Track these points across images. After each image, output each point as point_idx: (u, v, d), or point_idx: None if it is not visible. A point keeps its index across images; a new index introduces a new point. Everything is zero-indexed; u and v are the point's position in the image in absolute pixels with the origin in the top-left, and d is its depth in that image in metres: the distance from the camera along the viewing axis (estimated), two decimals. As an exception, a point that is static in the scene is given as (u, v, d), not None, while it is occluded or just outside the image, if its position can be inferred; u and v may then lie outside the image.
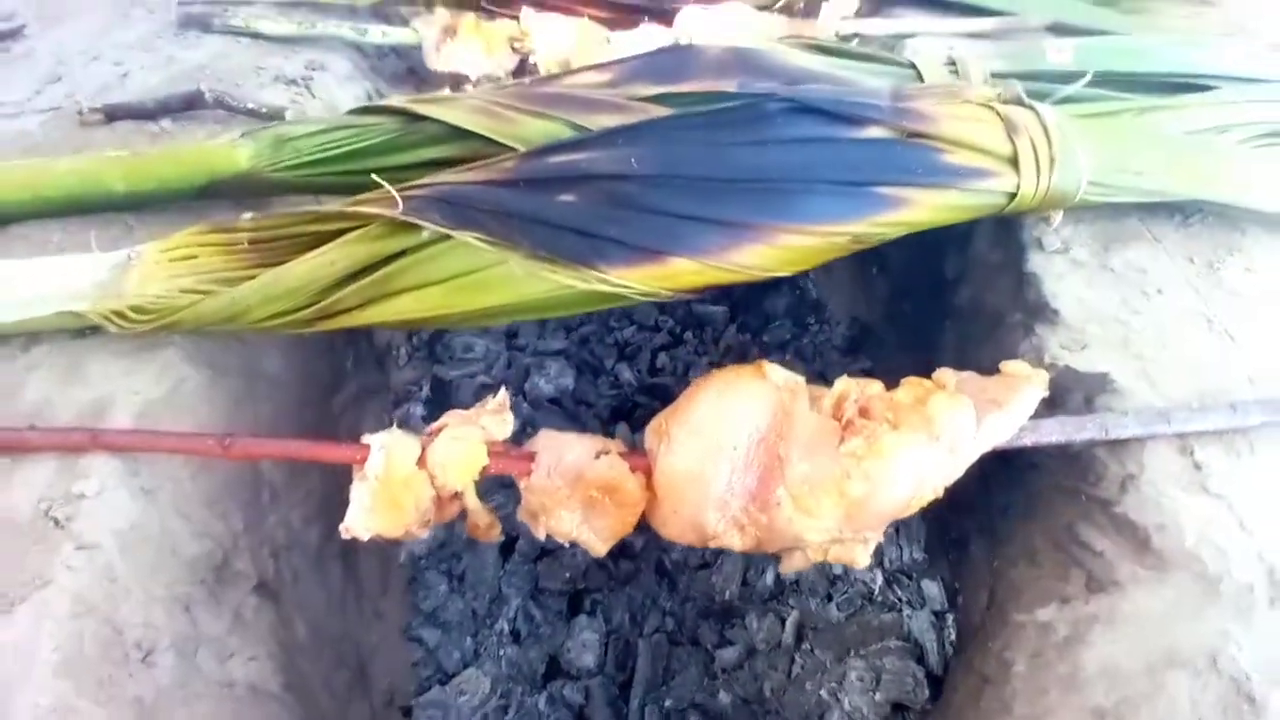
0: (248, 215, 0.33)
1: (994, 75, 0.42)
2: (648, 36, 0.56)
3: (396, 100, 0.38)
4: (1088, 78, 0.39)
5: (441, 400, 0.50)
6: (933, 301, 0.45)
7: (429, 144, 0.38)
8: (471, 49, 0.56)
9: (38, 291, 0.31)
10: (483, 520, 0.30)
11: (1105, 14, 0.59)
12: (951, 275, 0.43)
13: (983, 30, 0.56)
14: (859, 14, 0.62)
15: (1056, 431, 0.28)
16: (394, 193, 0.30)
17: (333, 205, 0.32)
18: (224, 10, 0.60)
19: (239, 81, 0.51)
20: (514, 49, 0.57)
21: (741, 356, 0.55)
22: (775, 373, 0.29)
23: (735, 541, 0.27)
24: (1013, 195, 0.35)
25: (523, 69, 0.58)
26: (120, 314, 0.30)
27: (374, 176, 0.31)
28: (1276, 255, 0.38)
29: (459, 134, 0.38)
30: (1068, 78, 0.43)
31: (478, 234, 0.30)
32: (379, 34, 0.56)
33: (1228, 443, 0.28)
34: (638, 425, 0.53)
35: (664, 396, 0.56)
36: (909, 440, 0.25)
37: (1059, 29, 0.58)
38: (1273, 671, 0.25)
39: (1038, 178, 0.35)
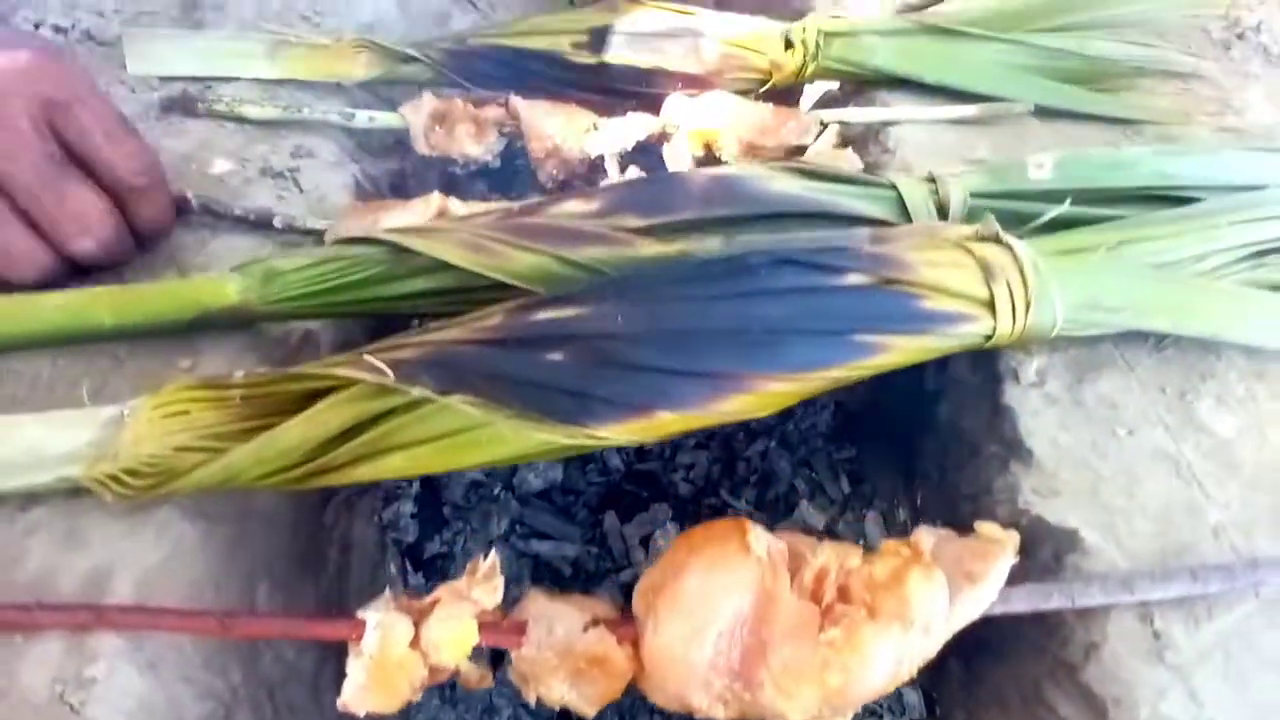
0: (239, 373, 0.33)
1: (974, 195, 0.43)
2: (635, 123, 0.56)
3: (385, 234, 0.39)
4: (1066, 204, 0.41)
5: (431, 499, 0.51)
6: (914, 405, 0.47)
7: (418, 275, 0.39)
8: (460, 135, 0.56)
9: (32, 454, 0.32)
10: (474, 677, 0.31)
11: (1090, 96, 0.60)
12: (931, 388, 0.44)
13: (966, 117, 0.57)
14: (841, 95, 0.64)
15: (1025, 602, 0.29)
16: (384, 368, 0.31)
17: (322, 366, 0.33)
18: (206, 89, 0.60)
19: (224, 178, 0.52)
20: (502, 133, 0.58)
21: (727, 447, 0.56)
22: (758, 542, 0.30)
23: (720, 714, 0.28)
24: (989, 337, 0.36)
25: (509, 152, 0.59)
26: (116, 478, 0.31)
27: (367, 356, 0.31)
28: (1249, 379, 0.40)
29: (448, 265, 0.39)
30: (1048, 195, 0.44)
31: (469, 398, 0.31)
32: (366, 119, 0.57)
33: (1188, 609, 0.30)
34: (626, 515, 0.55)
35: (652, 483, 0.57)
36: (886, 631, 0.27)
37: (1043, 112, 0.59)
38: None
39: (1013, 321, 0.36)
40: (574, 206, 0.40)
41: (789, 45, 0.59)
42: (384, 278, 0.38)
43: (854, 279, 0.35)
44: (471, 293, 0.39)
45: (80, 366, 0.38)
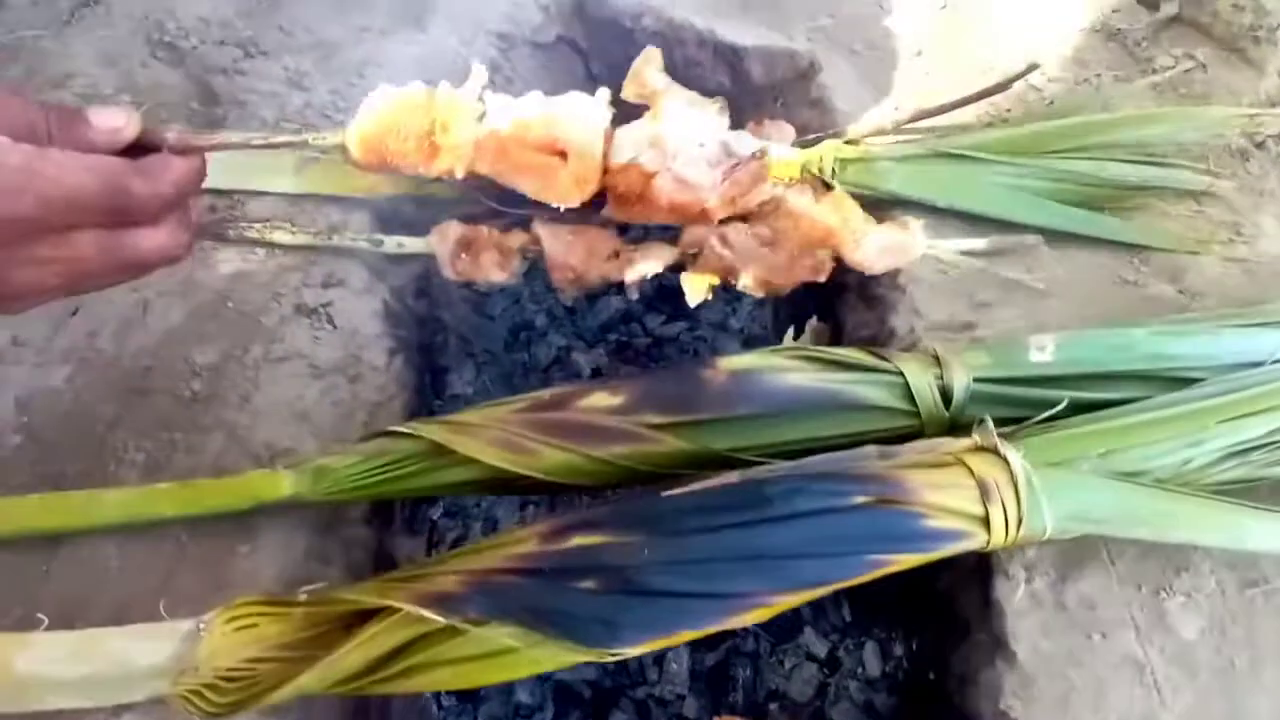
0: (302, 593, 0.37)
1: (977, 380, 0.46)
2: (655, 253, 0.59)
3: (426, 429, 0.42)
4: (1064, 403, 0.44)
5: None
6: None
7: (458, 466, 0.43)
8: (485, 262, 0.59)
9: (121, 669, 0.36)
10: None
11: (1101, 220, 0.61)
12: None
13: (976, 250, 0.59)
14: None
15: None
16: (433, 616, 0.35)
17: (376, 592, 0.36)
18: (236, 205, 0.62)
19: (261, 317, 0.54)
20: (525, 257, 0.60)
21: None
22: None
23: None
24: (982, 547, 0.40)
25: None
26: (200, 694, 0.35)
27: (411, 608, 0.35)
28: (1221, 569, 0.44)
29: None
30: (1048, 381, 0.47)
31: (509, 628, 0.35)
32: (394, 245, 0.59)
33: None
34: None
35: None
36: None
37: (1053, 235, 0.61)
38: None
39: (1006, 534, 0.40)
40: (600, 400, 0.43)
41: (806, 171, 0.60)
42: (426, 470, 0.42)
43: (861, 499, 0.38)
44: (507, 484, 0.43)
45: (145, 552, 0.42)
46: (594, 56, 0.86)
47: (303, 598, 0.37)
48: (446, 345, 0.69)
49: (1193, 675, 0.39)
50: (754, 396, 0.43)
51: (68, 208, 0.30)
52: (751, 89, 0.80)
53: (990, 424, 0.42)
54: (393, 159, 0.54)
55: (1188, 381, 0.47)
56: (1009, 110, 0.70)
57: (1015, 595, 0.41)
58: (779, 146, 0.62)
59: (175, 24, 0.74)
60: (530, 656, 0.36)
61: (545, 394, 0.44)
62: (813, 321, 0.57)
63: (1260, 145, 0.68)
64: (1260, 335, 0.48)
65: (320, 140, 0.52)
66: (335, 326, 0.55)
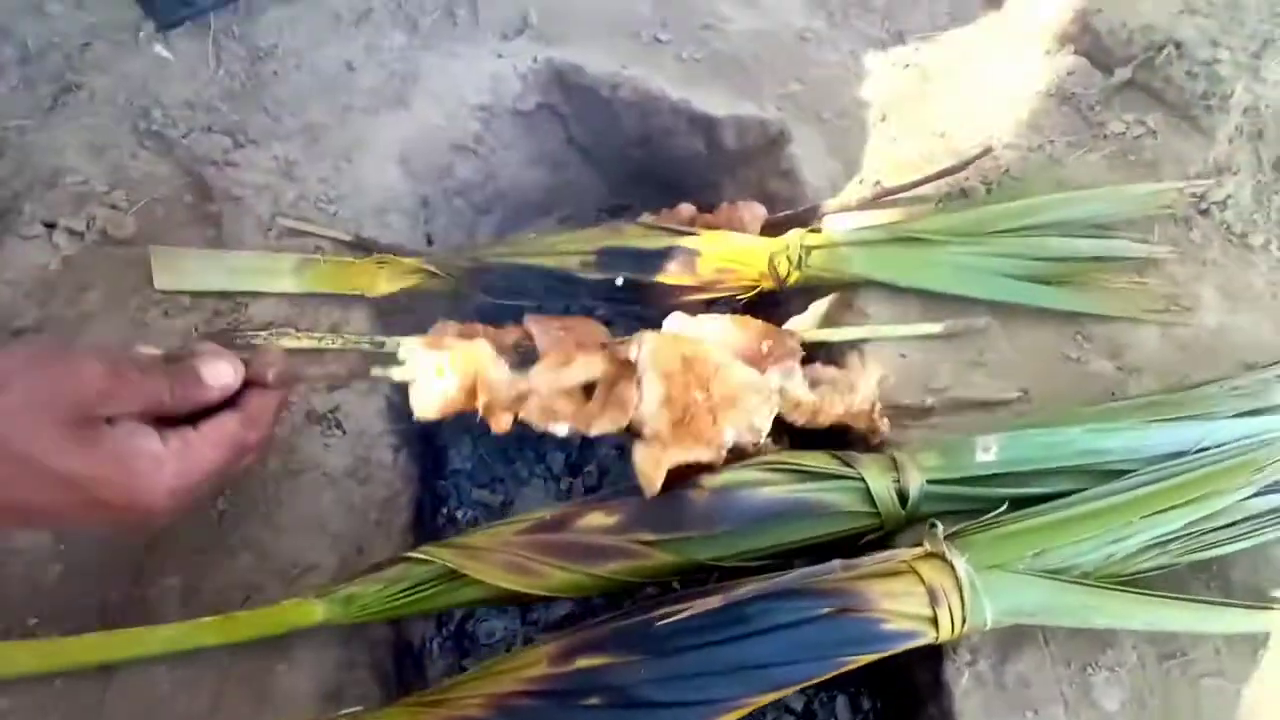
0: (344, 714, 0.43)
1: (929, 481, 0.52)
2: (642, 341, 0.64)
3: (440, 554, 0.47)
4: (1004, 507, 0.50)
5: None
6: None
7: (472, 585, 0.48)
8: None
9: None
10: None
11: (1047, 292, 0.67)
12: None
13: (931, 334, 0.65)
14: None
15: None
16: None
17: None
18: (239, 309, 0.66)
19: (275, 428, 0.59)
20: (518, 351, 0.65)
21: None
22: None
23: None
24: (932, 641, 0.47)
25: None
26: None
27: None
28: (1142, 644, 0.51)
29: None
30: (992, 480, 0.53)
31: (526, 745, 0.41)
32: (395, 344, 0.63)
33: None
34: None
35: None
36: None
37: (1002, 309, 0.67)
38: None
39: (952, 631, 0.46)
40: (597, 520, 0.49)
41: (774, 259, 0.65)
42: (443, 591, 0.48)
43: (827, 610, 0.45)
44: (515, 598, 0.49)
45: (194, 676, 0.47)
46: (574, 121, 0.89)
47: (345, 715, 0.43)
48: (442, 423, 0.74)
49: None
50: (734, 512, 0.49)
51: (208, 480, 0.40)
52: (725, 155, 0.84)
53: (939, 530, 0.48)
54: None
55: (1118, 474, 0.53)
56: (967, 178, 0.75)
57: (961, 678, 0.48)
58: (749, 237, 0.67)
59: (160, 110, 0.76)
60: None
61: (546, 514, 0.50)
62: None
63: (1204, 212, 0.73)
64: (1184, 428, 0.55)
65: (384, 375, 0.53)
66: (344, 431, 0.60)
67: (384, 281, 0.66)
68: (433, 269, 0.66)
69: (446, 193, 0.83)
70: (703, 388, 0.52)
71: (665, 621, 0.43)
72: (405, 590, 0.47)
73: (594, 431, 0.51)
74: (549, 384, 0.52)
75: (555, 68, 0.85)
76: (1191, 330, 0.66)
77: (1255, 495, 0.54)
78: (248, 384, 0.42)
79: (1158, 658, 0.50)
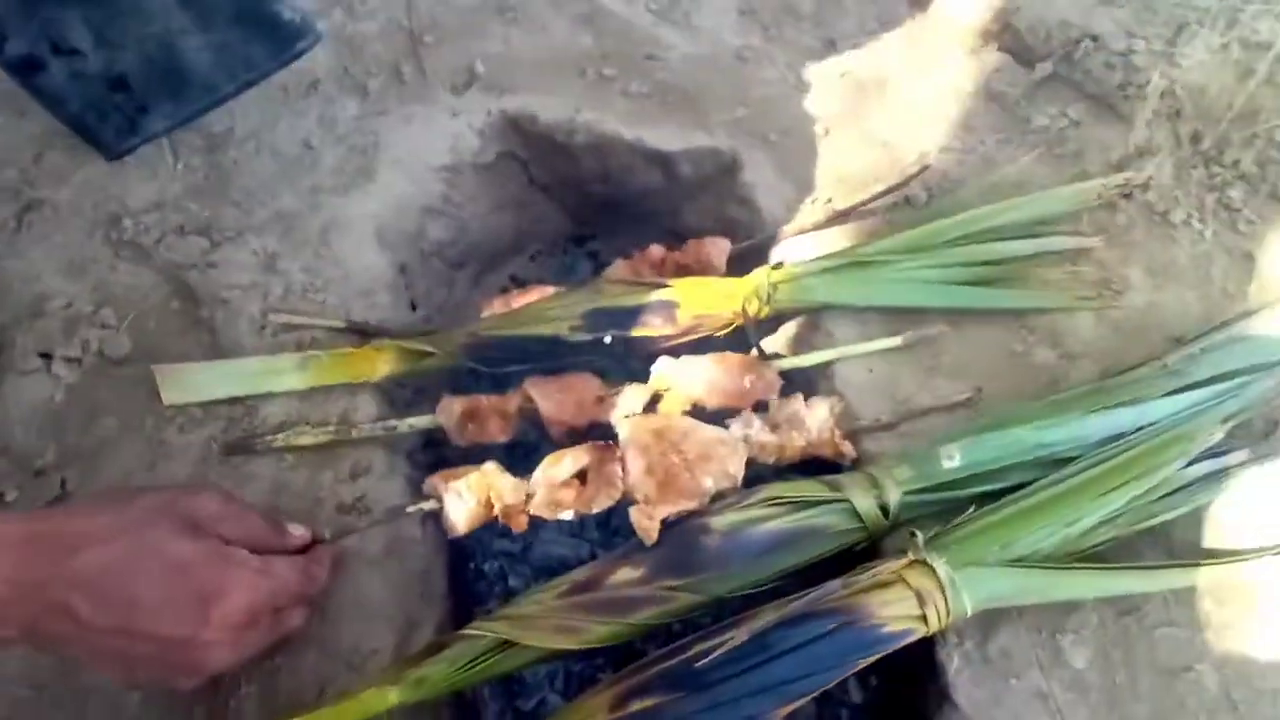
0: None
1: (906, 493, 0.61)
2: (633, 395, 0.70)
3: (494, 628, 0.55)
4: (971, 510, 0.59)
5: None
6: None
7: (525, 651, 0.56)
8: (489, 427, 0.70)
9: None
10: None
11: (992, 293, 0.76)
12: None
13: (891, 347, 0.73)
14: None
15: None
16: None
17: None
18: (250, 412, 0.70)
19: (313, 526, 0.65)
20: (521, 415, 0.72)
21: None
22: None
23: None
24: (924, 634, 0.56)
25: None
26: None
27: None
28: (1100, 606, 0.61)
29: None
30: (957, 483, 0.62)
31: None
32: (406, 427, 0.69)
33: None
34: None
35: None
36: None
37: (952, 314, 0.75)
38: None
39: (939, 623, 0.56)
40: (625, 574, 0.57)
41: (746, 300, 0.73)
42: (500, 660, 0.55)
43: (833, 626, 0.54)
44: (568, 656, 0.56)
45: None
46: (534, 164, 0.94)
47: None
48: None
49: (1085, 696, 0.57)
50: (743, 549, 0.57)
51: (282, 593, 0.50)
52: (683, 184, 0.91)
53: (919, 539, 0.57)
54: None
55: (1067, 461, 0.63)
56: (910, 188, 0.83)
57: (952, 659, 0.58)
58: (721, 280, 0.74)
59: (130, 217, 0.79)
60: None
61: (579, 575, 0.57)
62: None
63: (1128, 197, 0.83)
64: (1120, 413, 0.64)
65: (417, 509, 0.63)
66: (370, 512, 0.66)
67: (384, 366, 0.72)
68: (430, 349, 0.71)
69: (423, 255, 0.88)
70: (677, 451, 0.60)
71: (703, 662, 0.51)
72: (467, 665, 0.54)
73: (594, 509, 0.59)
74: (549, 482, 0.60)
75: (510, 119, 0.90)
76: (1123, 312, 0.76)
77: (1189, 465, 0.64)
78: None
79: (1116, 616, 0.61)
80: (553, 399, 0.69)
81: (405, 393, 0.77)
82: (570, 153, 0.90)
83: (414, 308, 0.85)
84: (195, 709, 0.56)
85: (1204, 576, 0.62)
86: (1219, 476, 0.65)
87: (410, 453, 0.73)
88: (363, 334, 0.75)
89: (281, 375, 0.71)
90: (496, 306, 0.78)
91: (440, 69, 0.93)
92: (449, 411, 0.69)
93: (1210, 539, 0.65)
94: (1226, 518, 0.66)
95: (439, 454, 0.75)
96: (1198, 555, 0.64)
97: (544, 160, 0.93)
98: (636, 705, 0.51)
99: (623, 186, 0.93)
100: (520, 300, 0.76)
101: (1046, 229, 0.78)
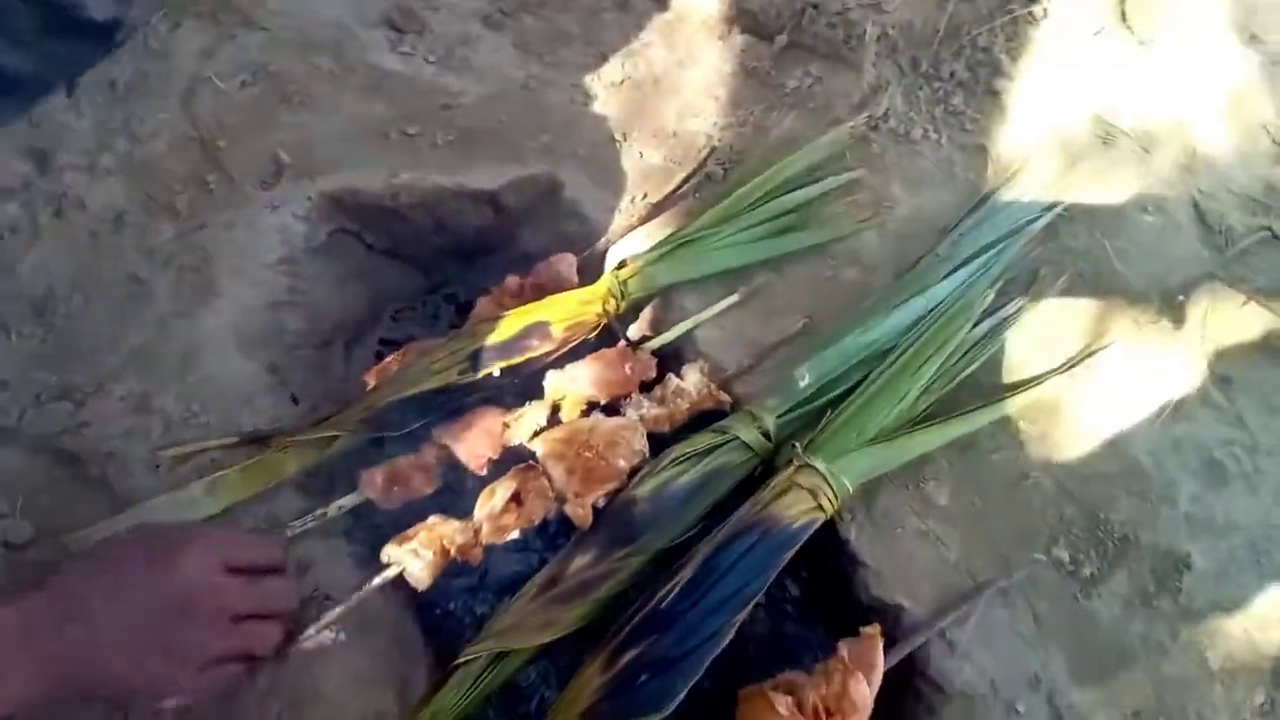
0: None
1: (777, 417, 0.76)
2: (534, 412, 0.81)
3: (485, 646, 0.64)
4: (829, 413, 0.76)
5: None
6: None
7: (518, 654, 0.66)
8: (414, 483, 0.78)
9: None
10: None
11: (798, 236, 0.94)
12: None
13: (732, 304, 0.89)
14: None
15: (892, 659, 0.68)
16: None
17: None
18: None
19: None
20: (439, 463, 0.80)
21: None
22: (780, 704, 0.64)
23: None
24: (824, 519, 0.72)
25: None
26: None
27: None
28: (950, 453, 0.80)
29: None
30: (813, 396, 0.79)
31: (613, 729, 0.61)
32: (335, 509, 0.76)
33: (962, 622, 0.70)
34: None
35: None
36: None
37: (772, 264, 0.92)
38: None
39: (833, 508, 0.72)
40: (580, 561, 0.68)
41: (604, 302, 0.85)
42: (500, 670, 0.65)
43: (756, 537, 0.68)
44: (555, 652, 0.67)
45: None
46: (367, 233, 1.02)
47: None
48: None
49: (955, 523, 0.76)
50: (668, 505, 0.71)
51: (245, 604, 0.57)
52: (514, 214, 1.02)
53: (799, 448, 0.73)
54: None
55: (887, 351, 0.81)
56: (707, 170, 0.99)
57: (850, 530, 0.75)
58: (577, 291, 0.86)
59: (-22, 402, 0.79)
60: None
61: (542, 577, 0.68)
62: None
63: (875, 129, 1.03)
64: (913, 303, 0.84)
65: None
66: (332, 599, 0.73)
67: (292, 464, 0.78)
68: (333, 433, 0.78)
69: (288, 350, 0.93)
70: (587, 448, 0.72)
71: (665, 603, 0.64)
72: (471, 686, 0.64)
73: (536, 521, 0.70)
74: (489, 515, 0.70)
75: (331, 197, 0.97)
76: (896, 222, 0.96)
77: (975, 326, 0.84)
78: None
79: (959, 456, 0.80)
80: (464, 441, 0.79)
81: (319, 480, 0.83)
82: (399, 214, 0.99)
83: (296, 401, 0.91)
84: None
85: (1013, 405, 0.83)
86: (1001, 327, 0.87)
87: (346, 533, 0.80)
88: (258, 441, 0.80)
89: (194, 505, 0.75)
90: (376, 375, 0.85)
91: (245, 168, 0.97)
92: (373, 483, 0.77)
93: (1010, 375, 0.86)
94: (1017, 355, 0.88)
95: (371, 523, 0.82)
96: (1004, 390, 0.85)
97: (376, 227, 1.01)
98: (624, 659, 0.63)
99: (459, 231, 1.02)
100: (398, 362, 0.84)
101: (821, 172, 0.97)
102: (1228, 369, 0.90)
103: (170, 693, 0.53)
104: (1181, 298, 0.93)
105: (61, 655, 0.47)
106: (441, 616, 0.85)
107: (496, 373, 0.81)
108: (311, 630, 0.68)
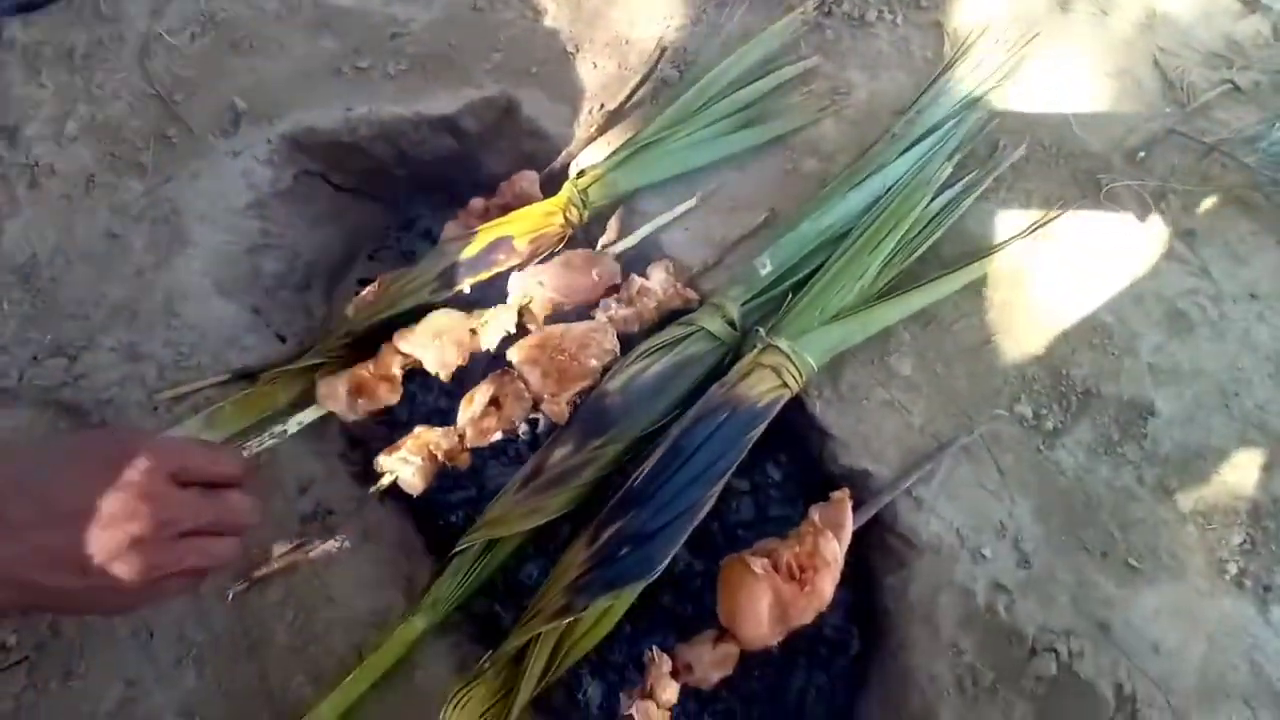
0: (483, 663, 0.66)
1: (741, 305, 0.80)
2: (503, 317, 0.85)
3: (480, 535, 0.70)
4: (791, 298, 0.80)
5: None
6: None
7: (509, 541, 0.72)
8: (378, 393, 0.82)
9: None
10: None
11: (756, 132, 0.96)
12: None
13: (691, 206, 0.92)
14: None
15: (861, 519, 0.73)
16: (564, 620, 0.66)
17: (527, 631, 0.66)
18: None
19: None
20: (404, 371, 0.85)
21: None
22: (756, 565, 0.70)
23: (779, 636, 0.70)
24: (790, 395, 0.77)
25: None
26: (468, 745, 0.65)
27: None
28: (912, 327, 0.84)
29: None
30: (775, 283, 0.83)
31: (602, 598, 0.67)
32: (295, 425, 0.81)
33: (927, 479, 0.75)
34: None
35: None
36: (825, 576, 0.69)
37: (732, 160, 0.95)
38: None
39: (798, 386, 0.76)
40: (560, 453, 0.74)
41: (566, 213, 0.89)
42: (495, 556, 0.72)
43: (725, 415, 0.73)
44: (547, 546, 0.73)
45: (368, 714, 0.68)
46: (331, 172, 1.05)
47: (486, 665, 0.66)
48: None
49: (919, 391, 0.80)
50: (640, 394, 0.75)
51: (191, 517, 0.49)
52: (475, 138, 1.05)
53: (763, 331, 0.77)
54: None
55: (846, 234, 0.85)
56: (662, 73, 1.00)
57: (817, 405, 0.79)
58: (539, 204, 0.90)
59: (-28, 367, 0.85)
60: (617, 606, 0.69)
61: (525, 469, 0.74)
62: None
63: (829, 14, 1.04)
64: (869, 183, 0.87)
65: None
66: (334, 513, 0.79)
67: (284, 394, 0.83)
68: (318, 361, 0.83)
69: (268, 292, 0.98)
70: (560, 351, 0.77)
71: (639, 480, 0.69)
72: (466, 574, 0.70)
73: (516, 422, 0.76)
74: (471, 419, 0.75)
75: (290, 138, 1.00)
76: (854, 108, 0.98)
77: (933, 200, 0.87)
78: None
79: (921, 328, 0.84)
80: (430, 347, 0.83)
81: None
82: (360, 149, 1.02)
83: (283, 340, 0.96)
84: (264, 710, 0.69)
85: (973, 274, 0.87)
86: (959, 200, 0.90)
87: (341, 455, 0.86)
88: (248, 377, 0.86)
89: (197, 434, 0.81)
90: (355, 306, 0.90)
91: (203, 119, 1.01)
92: (333, 392, 0.81)
93: (969, 245, 0.90)
94: (976, 227, 0.91)
95: (364, 448, 0.88)
96: (963, 260, 0.88)
97: (339, 164, 1.04)
98: (606, 534, 0.69)
99: (421, 161, 1.06)
100: (375, 294, 0.89)
101: (776, 64, 0.99)
102: (1191, 222, 0.93)
103: (105, 607, 0.50)
104: (1143, 154, 0.95)
105: None
106: (443, 529, 0.92)
107: (467, 289, 0.86)
108: (317, 542, 0.74)
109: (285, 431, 0.81)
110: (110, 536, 0.47)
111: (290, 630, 0.73)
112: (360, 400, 0.83)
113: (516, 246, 0.88)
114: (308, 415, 0.82)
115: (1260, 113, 1.01)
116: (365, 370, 0.83)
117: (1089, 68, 1.02)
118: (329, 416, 0.82)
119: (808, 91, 1.00)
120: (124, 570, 0.47)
